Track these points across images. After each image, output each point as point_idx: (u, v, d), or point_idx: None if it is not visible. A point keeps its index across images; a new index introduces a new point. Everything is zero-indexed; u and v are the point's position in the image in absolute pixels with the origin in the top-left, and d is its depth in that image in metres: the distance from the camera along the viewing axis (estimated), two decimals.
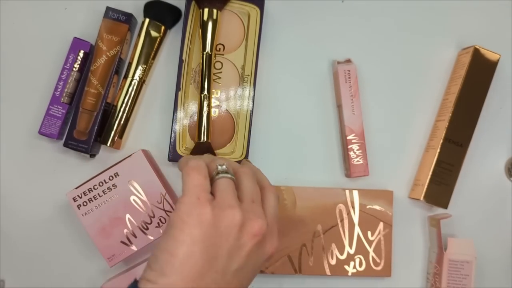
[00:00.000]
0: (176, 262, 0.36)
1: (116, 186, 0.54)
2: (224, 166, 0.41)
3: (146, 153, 0.56)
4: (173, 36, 0.60)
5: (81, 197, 0.54)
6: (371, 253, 0.58)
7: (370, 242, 0.58)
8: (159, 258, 0.36)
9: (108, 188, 0.54)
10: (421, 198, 0.58)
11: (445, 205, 0.58)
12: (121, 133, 0.57)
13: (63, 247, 0.59)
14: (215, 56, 0.58)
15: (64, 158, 0.59)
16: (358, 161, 0.58)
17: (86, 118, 0.56)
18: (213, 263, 0.37)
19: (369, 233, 0.58)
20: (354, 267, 0.58)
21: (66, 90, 0.56)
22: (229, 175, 0.41)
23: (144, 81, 0.58)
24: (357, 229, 0.58)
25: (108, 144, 0.57)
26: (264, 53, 0.59)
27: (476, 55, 0.58)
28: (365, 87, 0.60)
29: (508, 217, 0.61)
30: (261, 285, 0.59)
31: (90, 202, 0.54)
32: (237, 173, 0.42)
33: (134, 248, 0.54)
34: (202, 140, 0.55)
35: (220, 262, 0.37)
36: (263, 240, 0.39)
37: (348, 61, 0.60)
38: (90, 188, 0.54)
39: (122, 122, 0.57)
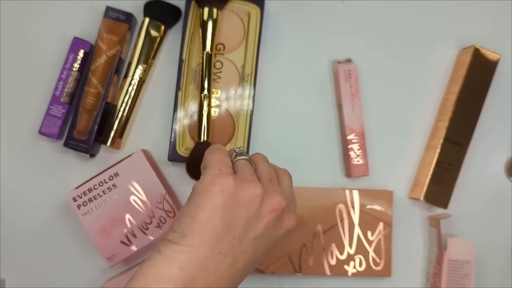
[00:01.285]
0: (197, 225, 0.38)
1: (116, 186, 0.54)
2: (241, 149, 0.44)
3: (146, 153, 0.56)
4: (173, 36, 0.59)
5: (81, 197, 0.54)
6: (371, 253, 0.58)
7: (370, 242, 0.58)
8: (181, 221, 0.38)
9: (108, 188, 0.54)
10: (421, 198, 0.58)
11: (445, 205, 0.58)
12: (121, 133, 0.57)
13: (63, 247, 0.59)
14: (215, 56, 0.58)
15: (64, 158, 0.58)
16: (358, 161, 0.58)
17: (86, 118, 0.56)
18: (231, 229, 0.38)
19: (369, 233, 0.58)
20: (354, 267, 0.58)
21: (66, 90, 0.56)
22: (247, 157, 0.43)
23: (144, 81, 0.58)
24: (357, 229, 0.58)
25: (108, 144, 0.56)
26: (264, 52, 0.59)
27: (476, 55, 0.58)
28: (366, 87, 0.60)
29: (508, 217, 0.61)
30: (261, 285, 0.59)
31: (90, 202, 0.54)
32: (253, 158, 0.44)
33: (134, 248, 0.54)
34: (202, 140, 0.55)
35: (238, 229, 0.39)
36: (281, 215, 0.41)
37: (349, 60, 0.60)
38: (90, 188, 0.54)
39: (122, 122, 0.57)
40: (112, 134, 0.57)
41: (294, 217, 0.43)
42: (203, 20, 0.56)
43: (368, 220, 0.58)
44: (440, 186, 0.58)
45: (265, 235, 0.40)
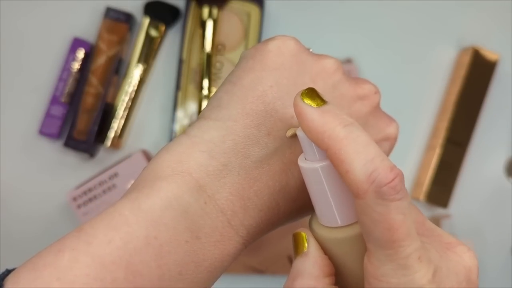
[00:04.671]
0: (238, 91, 0.27)
1: (116, 186, 0.54)
2: None
3: (145, 153, 0.56)
4: (173, 36, 0.60)
5: (81, 197, 0.54)
6: None
7: None
8: (219, 91, 0.28)
9: (108, 188, 0.54)
10: (421, 198, 0.58)
11: (445, 205, 0.58)
12: (121, 133, 0.57)
13: None
14: (215, 56, 0.58)
15: (64, 158, 0.58)
16: None
17: (86, 118, 0.56)
18: (288, 92, 0.27)
19: None
20: None
21: (66, 90, 0.56)
22: None
23: (144, 81, 0.58)
24: None
25: (108, 144, 0.57)
26: None
27: (476, 55, 0.58)
28: None
29: (508, 217, 0.61)
30: (261, 285, 0.59)
31: (90, 202, 0.54)
32: None
33: None
34: None
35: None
36: (378, 107, 0.30)
37: (349, 61, 0.60)
38: (90, 188, 0.54)
39: (122, 122, 0.57)
40: (112, 134, 0.57)
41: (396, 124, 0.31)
42: (202, 20, 0.56)
43: None
44: (440, 186, 0.58)
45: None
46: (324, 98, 0.24)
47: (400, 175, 0.21)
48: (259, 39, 0.58)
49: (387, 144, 0.30)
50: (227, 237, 0.25)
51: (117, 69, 0.57)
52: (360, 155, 0.21)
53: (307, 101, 0.23)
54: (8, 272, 0.23)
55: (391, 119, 0.31)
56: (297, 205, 0.28)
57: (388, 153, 0.30)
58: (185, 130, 0.28)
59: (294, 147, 0.27)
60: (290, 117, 0.27)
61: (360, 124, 0.26)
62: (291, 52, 0.28)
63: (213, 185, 0.25)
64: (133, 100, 0.57)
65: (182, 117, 0.57)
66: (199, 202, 0.25)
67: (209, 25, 0.56)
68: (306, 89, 0.24)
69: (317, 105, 0.23)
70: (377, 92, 0.30)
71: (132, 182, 0.56)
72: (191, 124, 0.28)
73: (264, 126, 0.26)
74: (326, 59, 0.29)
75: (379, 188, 0.21)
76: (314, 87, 0.25)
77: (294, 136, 0.26)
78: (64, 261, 0.23)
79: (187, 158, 0.26)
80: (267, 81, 0.27)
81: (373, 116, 0.30)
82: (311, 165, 0.24)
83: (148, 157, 0.56)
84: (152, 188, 0.25)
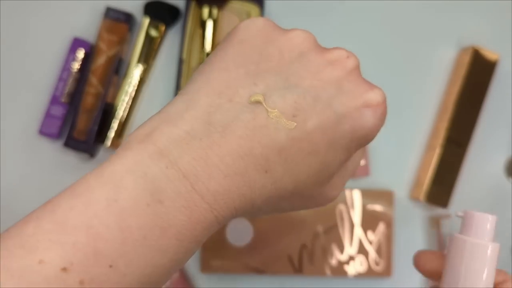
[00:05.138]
0: (207, 67, 0.28)
1: None
2: None
3: None
4: (173, 36, 0.60)
5: None
6: (372, 253, 0.58)
7: (370, 242, 0.58)
8: (196, 71, 0.29)
9: None
10: (421, 198, 0.58)
11: (445, 205, 0.58)
12: (121, 133, 0.57)
13: None
14: None
15: (64, 158, 0.58)
16: None
17: (86, 118, 0.56)
18: (257, 64, 0.27)
19: (369, 233, 0.58)
20: (354, 267, 0.58)
21: (66, 90, 0.56)
22: None
23: (144, 81, 0.58)
24: (357, 229, 0.58)
25: (108, 144, 0.56)
26: None
27: (476, 55, 0.58)
28: None
29: (508, 217, 0.61)
30: (261, 285, 0.59)
31: None
32: None
33: None
34: None
35: (267, 64, 0.27)
36: (354, 73, 0.29)
37: None
38: None
39: (122, 122, 0.57)
40: (112, 134, 0.57)
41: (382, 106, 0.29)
42: (202, 20, 0.56)
43: (369, 220, 0.58)
44: (440, 186, 0.58)
45: (319, 92, 0.27)
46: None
47: None
48: None
49: (368, 111, 0.28)
50: (193, 202, 0.25)
51: (117, 69, 0.57)
52: None
53: None
54: None
55: (371, 85, 0.29)
56: (271, 179, 0.26)
57: (372, 122, 0.28)
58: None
59: (256, 112, 0.26)
60: (252, 84, 0.27)
61: (333, 89, 0.27)
62: (258, 27, 0.28)
63: (175, 151, 0.25)
64: (133, 100, 0.57)
65: None
66: (160, 166, 0.25)
67: (209, 25, 0.56)
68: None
69: None
70: (349, 56, 0.29)
71: None
72: None
73: (225, 94, 0.26)
74: (295, 31, 0.29)
75: None
76: (280, 57, 0.27)
77: (257, 101, 0.26)
78: (29, 230, 0.24)
79: (154, 131, 0.26)
80: (231, 53, 0.27)
81: (348, 81, 0.28)
82: (479, 241, 0.25)
83: None
84: (117, 156, 0.26)
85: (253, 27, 0.28)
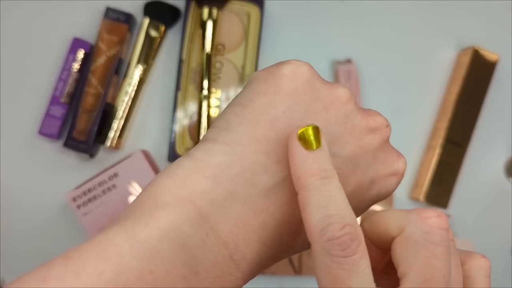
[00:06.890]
0: (248, 114, 0.25)
1: (116, 186, 0.54)
2: None
3: (145, 154, 0.56)
4: (172, 36, 0.60)
5: (81, 197, 0.54)
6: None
7: None
8: (227, 113, 0.26)
9: (108, 189, 0.54)
10: (421, 199, 0.58)
11: (445, 205, 0.58)
12: (121, 133, 0.57)
13: (63, 247, 0.58)
14: (215, 56, 0.58)
15: (64, 158, 0.58)
16: None
17: (86, 118, 0.56)
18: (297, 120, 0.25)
19: None
20: None
21: (66, 90, 0.56)
22: None
23: (143, 81, 0.58)
24: None
25: (108, 145, 0.57)
26: (264, 53, 0.59)
27: (476, 55, 0.58)
28: (365, 87, 0.60)
29: (508, 217, 0.61)
30: (261, 285, 0.59)
31: (90, 202, 0.54)
32: None
33: None
34: None
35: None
36: (386, 142, 0.29)
37: (348, 61, 0.60)
38: (90, 188, 0.54)
39: (121, 122, 0.57)
40: (111, 134, 0.57)
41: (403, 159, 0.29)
42: (202, 20, 0.56)
43: None
44: (440, 186, 0.58)
45: (356, 159, 0.26)
46: (321, 141, 0.24)
47: (351, 234, 0.22)
48: (259, 39, 0.58)
49: (394, 179, 0.29)
50: (228, 272, 0.24)
51: (117, 69, 0.57)
52: (321, 209, 0.22)
53: (300, 140, 0.23)
54: None
55: (399, 154, 0.30)
56: (300, 240, 0.26)
57: (394, 188, 0.29)
58: (188, 153, 0.25)
59: None
60: None
61: (371, 157, 0.27)
62: (305, 78, 0.26)
63: (216, 215, 0.23)
64: (133, 100, 0.57)
65: (182, 117, 0.57)
66: (200, 234, 0.23)
67: (209, 25, 0.56)
68: (305, 126, 0.24)
69: (307, 148, 0.23)
70: (388, 125, 0.29)
71: (132, 182, 0.56)
72: (195, 147, 0.26)
73: (274, 153, 0.24)
74: (340, 88, 0.27)
75: (327, 242, 0.22)
76: (327, 116, 0.25)
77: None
78: None
79: (191, 184, 0.23)
80: (280, 106, 0.25)
81: (383, 151, 0.28)
82: None
83: (148, 157, 0.56)
84: (150, 217, 0.23)
85: (300, 76, 0.26)
